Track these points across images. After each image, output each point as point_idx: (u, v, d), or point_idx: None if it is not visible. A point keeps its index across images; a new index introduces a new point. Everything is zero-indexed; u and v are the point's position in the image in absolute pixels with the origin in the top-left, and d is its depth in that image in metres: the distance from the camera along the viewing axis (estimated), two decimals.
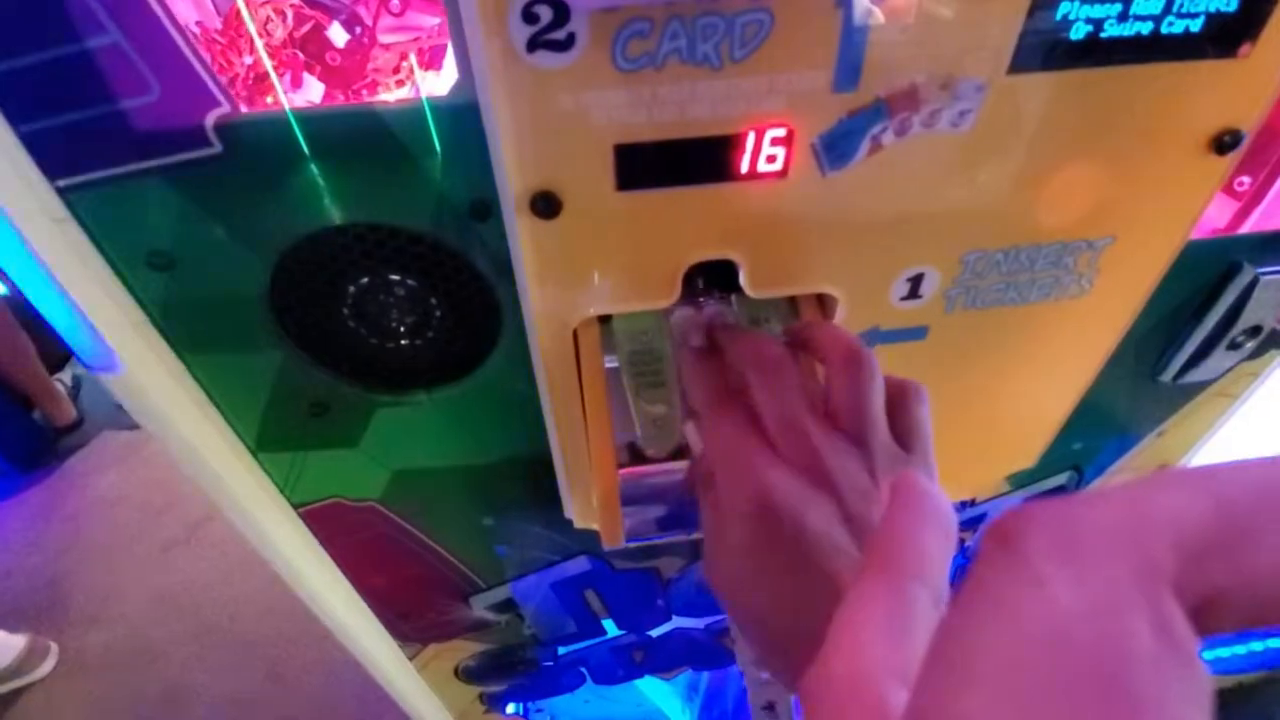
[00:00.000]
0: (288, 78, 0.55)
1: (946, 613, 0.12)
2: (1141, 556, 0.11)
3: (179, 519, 1.62)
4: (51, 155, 0.26)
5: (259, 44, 0.53)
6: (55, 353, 1.79)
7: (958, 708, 0.11)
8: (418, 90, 0.66)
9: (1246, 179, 0.52)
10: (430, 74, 0.68)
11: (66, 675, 1.41)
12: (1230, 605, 0.11)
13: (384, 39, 0.66)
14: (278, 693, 1.37)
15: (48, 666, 1.40)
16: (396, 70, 0.69)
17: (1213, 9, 0.25)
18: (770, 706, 0.32)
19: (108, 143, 0.26)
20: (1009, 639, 0.11)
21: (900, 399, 0.27)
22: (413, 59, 0.66)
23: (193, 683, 1.39)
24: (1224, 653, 0.98)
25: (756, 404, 0.26)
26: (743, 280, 0.31)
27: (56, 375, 1.82)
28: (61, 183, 0.27)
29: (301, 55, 0.58)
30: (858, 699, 0.15)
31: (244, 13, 0.53)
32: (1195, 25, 0.26)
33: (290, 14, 0.54)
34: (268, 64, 0.54)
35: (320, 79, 0.57)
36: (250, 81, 0.55)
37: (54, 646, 1.42)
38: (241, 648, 1.42)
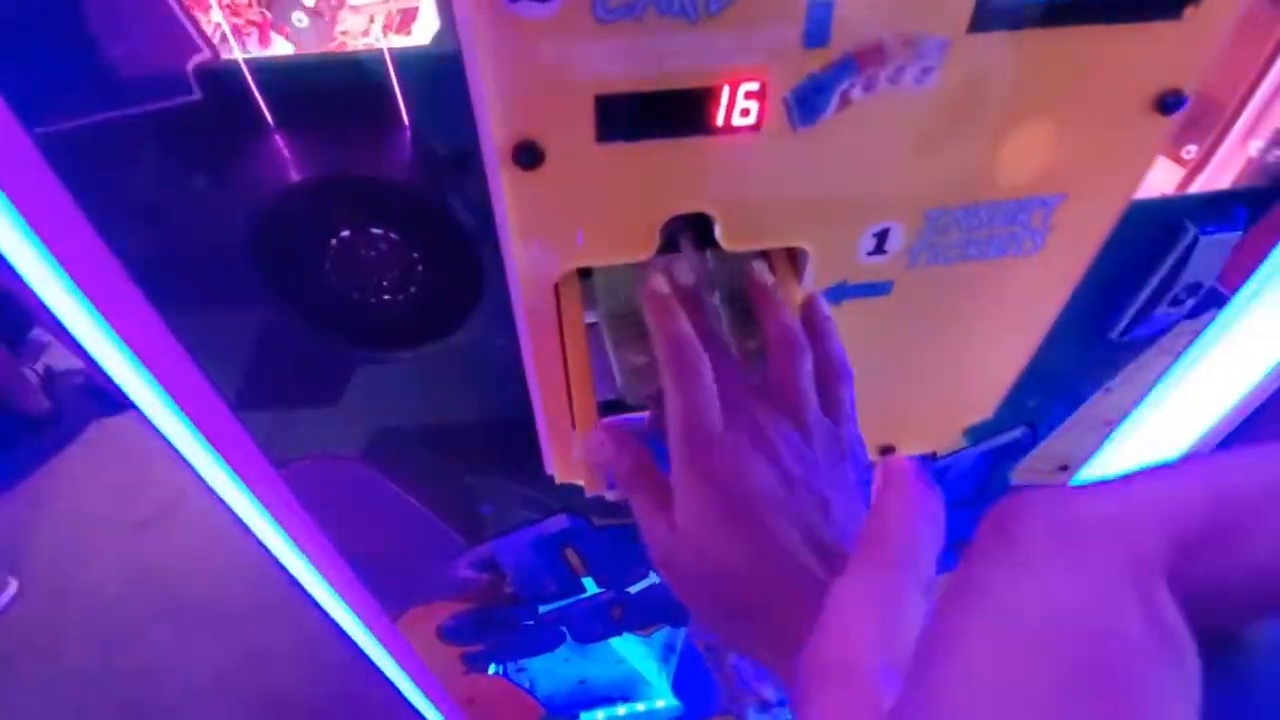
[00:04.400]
0: (255, 37, 0.54)
1: (941, 599, 0.12)
2: (1135, 547, 0.11)
3: (151, 499, 1.59)
4: (28, 102, 0.26)
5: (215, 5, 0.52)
6: (23, 342, 1.73)
7: (949, 693, 0.11)
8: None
9: (1193, 147, 0.55)
10: (399, 37, 0.67)
11: (41, 654, 1.39)
12: (1224, 597, 0.11)
13: (353, 1, 0.65)
14: (257, 668, 1.37)
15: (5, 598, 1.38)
16: (366, 34, 0.67)
17: None
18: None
19: (86, 90, 0.26)
20: (1001, 626, 0.11)
21: (828, 377, 0.31)
22: (380, 22, 0.65)
23: (170, 660, 1.38)
24: None
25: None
26: (718, 234, 0.32)
27: (30, 367, 1.76)
28: (39, 130, 0.26)
29: (268, 15, 0.57)
30: (850, 683, 0.15)
31: None
32: None
33: None
34: (225, 27, 0.53)
35: (289, 39, 0.56)
36: (218, 40, 0.53)
37: (13, 580, 1.40)
38: (218, 625, 1.42)
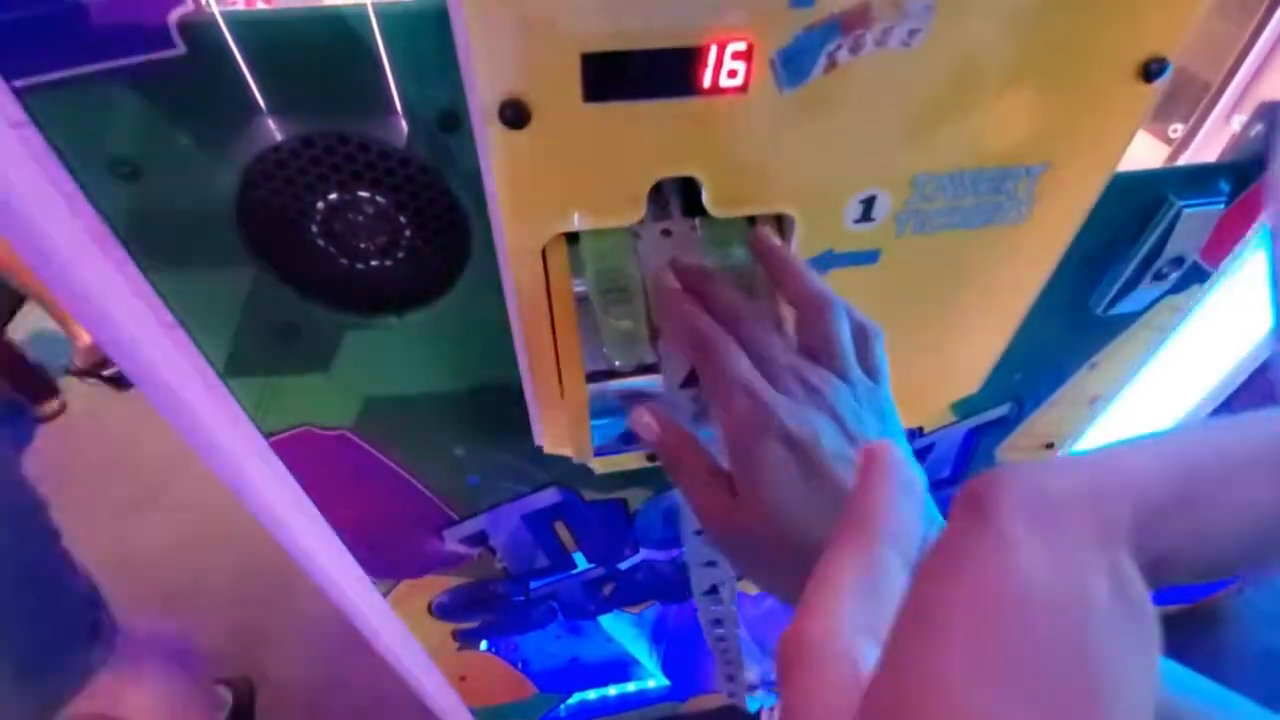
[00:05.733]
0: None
1: (917, 572, 0.13)
2: (1103, 518, 0.11)
3: (138, 482, 1.58)
4: (6, 53, 0.25)
5: None
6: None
7: (927, 663, 0.11)
8: None
9: (1179, 125, 0.55)
10: None
11: None
12: (1183, 561, 0.12)
13: None
14: (245, 652, 1.37)
15: None
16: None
17: None
18: (714, 589, 0.35)
19: (66, 40, 0.25)
20: (976, 597, 0.11)
21: (860, 338, 0.31)
22: None
23: None
24: None
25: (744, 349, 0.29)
26: (705, 199, 0.33)
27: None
28: (18, 83, 0.26)
29: None
30: (829, 656, 0.15)
31: None
32: None
33: None
34: None
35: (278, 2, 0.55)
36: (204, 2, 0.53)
37: None
38: (207, 610, 1.41)
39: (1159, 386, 0.61)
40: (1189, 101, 0.53)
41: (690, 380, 0.32)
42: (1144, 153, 0.57)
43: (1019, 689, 0.10)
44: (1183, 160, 0.55)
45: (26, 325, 1.74)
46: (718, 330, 0.29)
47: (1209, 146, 0.53)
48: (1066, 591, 0.11)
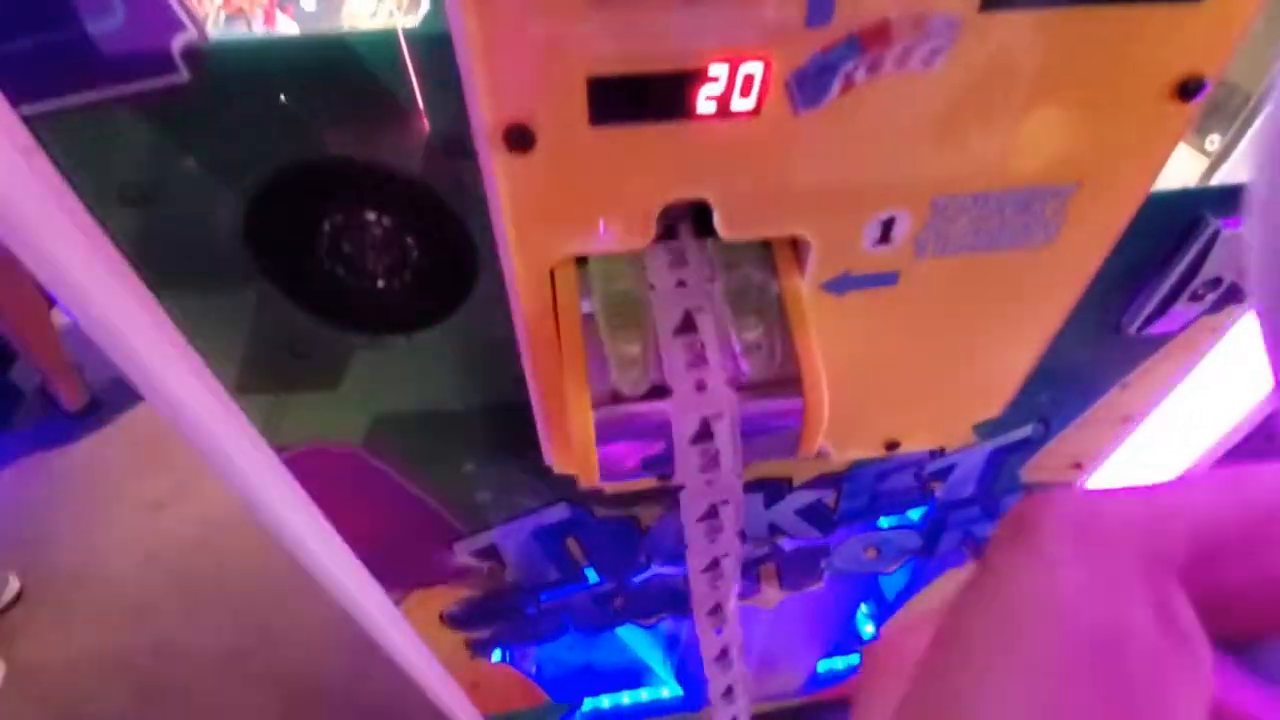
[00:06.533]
0: (260, 17, 0.54)
1: (957, 593, 0.12)
2: (1154, 548, 0.11)
3: (165, 478, 1.62)
4: (15, 80, 0.26)
5: None
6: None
7: (959, 683, 0.11)
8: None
9: (1216, 137, 0.53)
10: (408, 17, 0.67)
11: (56, 632, 1.42)
12: (1244, 607, 0.11)
13: None
14: (267, 648, 1.39)
15: (6, 597, 1.41)
16: (374, 15, 0.67)
17: None
18: (717, 609, 0.34)
19: (73, 68, 0.25)
20: (1014, 615, 0.11)
21: None
22: (388, 3, 0.65)
23: (183, 639, 1.40)
24: None
25: None
26: (716, 222, 0.32)
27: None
28: (27, 110, 0.26)
29: None
30: (894, 655, 0.15)
31: None
32: None
33: None
34: (215, 14, 0.53)
35: (294, 18, 0.56)
36: (221, 22, 0.53)
37: (14, 580, 1.43)
38: (230, 604, 1.44)
39: (1194, 406, 0.58)
40: (1228, 112, 0.50)
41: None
42: (1180, 164, 0.55)
43: (1050, 710, 0.10)
44: (1221, 173, 0.52)
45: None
46: None
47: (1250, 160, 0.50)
48: (1106, 617, 0.10)
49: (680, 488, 0.34)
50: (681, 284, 0.32)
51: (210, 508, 1.55)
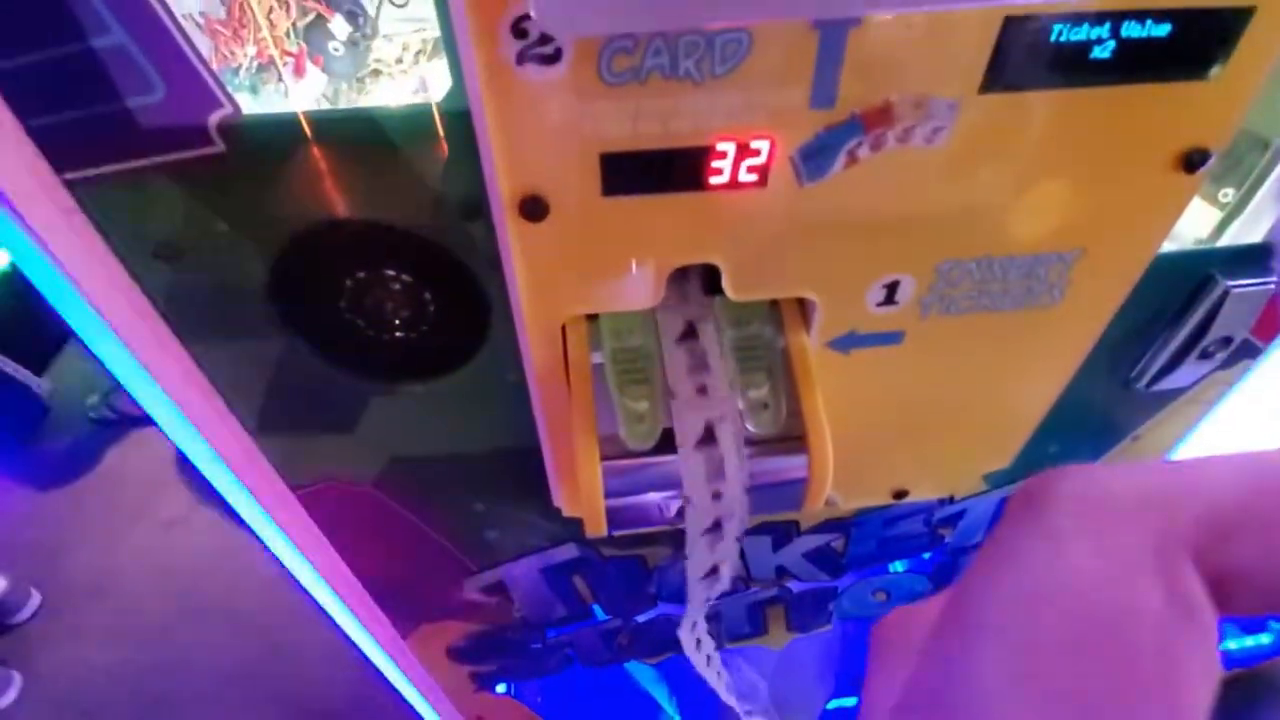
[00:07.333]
0: (290, 67, 0.56)
1: (968, 566, 0.12)
2: (1161, 522, 0.11)
3: (180, 497, 1.64)
4: (60, 149, 0.27)
5: (265, 32, 0.54)
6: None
7: (966, 656, 0.11)
8: (419, 79, 0.67)
9: (1230, 190, 0.53)
10: (434, 63, 0.69)
11: (70, 648, 1.44)
12: (1254, 585, 0.11)
13: (386, 30, 0.67)
14: (278, 667, 1.40)
15: (27, 612, 1.43)
16: (399, 61, 0.69)
17: (1183, 31, 0.26)
18: (714, 570, 0.34)
19: (114, 139, 0.27)
20: (1021, 591, 0.11)
21: None
22: (414, 49, 0.67)
23: (195, 657, 1.42)
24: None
25: None
26: (725, 285, 0.32)
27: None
28: (69, 175, 0.28)
29: (305, 45, 0.59)
30: (902, 632, 0.15)
31: (251, 3, 0.53)
32: (1164, 47, 0.27)
33: (294, 5, 0.55)
34: (273, 51, 0.55)
35: (323, 69, 0.58)
36: (253, 71, 0.56)
37: (35, 594, 1.45)
38: (242, 624, 1.45)
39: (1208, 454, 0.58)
40: (1245, 165, 0.50)
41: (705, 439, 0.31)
42: (1192, 217, 0.55)
43: (1055, 685, 0.10)
44: (1236, 226, 0.52)
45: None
46: None
47: (1263, 213, 0.50)
48: (1115, 594, 0.10)
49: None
50: (702, 390, 0.31)
51: (224, 528, 1.57)
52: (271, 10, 0.56)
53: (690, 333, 0.31)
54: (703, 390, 0.31)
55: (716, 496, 0.31)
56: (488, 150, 0.27)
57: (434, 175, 0.29)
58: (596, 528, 0.36)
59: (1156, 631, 0.10)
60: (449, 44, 0.24)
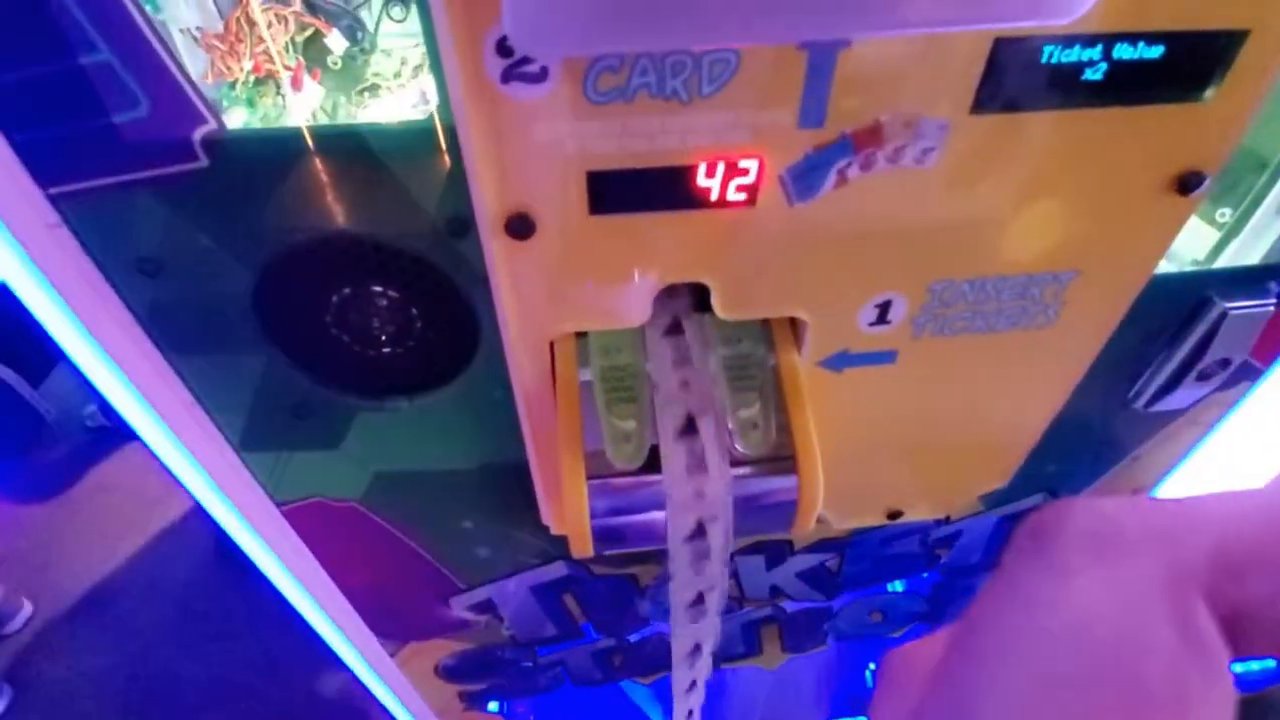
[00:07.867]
0: (288, 81, 0.56)
1: (974, 601, 0.12)
2: (1172, 559, 0.11)
3: (171, 509, 1.64)
4: (44, 163, 0.27)
5: (269, 44, 0.54)
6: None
7: (975, 687, 0.11)
8: (419, 92, 0.67)
9: (1228, 210, 0.52)
10: (432, 78, 0.68)
11: (58, 659, 1.43)
12: (1266, 628, 0.11)
13: (385, 44, 0.67)
14: (267, 680, 1.38)
15: (19, 622, 1.42)
16: (397, 75, 0.69)
17: (1176, 53, 0.26)
18: (700, 599, 0.33)
19: (99, 153, 0.27)
20: (1031, 625, 0.11)
21: None
22: (411, 63, 0.67)
23: (184, 670, 1.40)
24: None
25: None
26: (714, 303, 0.32)
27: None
28: (54, 190, 0.28)
29: (302, 60, 0.59)
30: (910, 663, 0.15)
31: (254, 13, 0.53)
32: (1157, 69, 0.26)
33: (292, 20, 0.55)
34: (277, 61, 0.55)
35: (320, 83, 0.58)
36: (250, 85, 0.56)
37: (27, 604, 1.44)
38: (231, 637, 1.44)
39: (1208, 476, 0.57)
40: (1242, 185, 0.50)
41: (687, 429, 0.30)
42: (1190, 237, 0.54)
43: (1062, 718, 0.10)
44: (1234, 246, 0.52)
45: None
46: None
47: (1262, 234, 0.50)
48: (1124, 630, 0.10)
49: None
50: (676, 328, 0.31)
51: (213, 541, 1.56)
52: (270, 25, 0.56)
53: (676, 328, 0.31)
54: (686, 385, 0.30)
55: (699, 496, 0.30)
56: (474, 168, 0.26)
57: (421, 191, 0.29)
58: (583, 548, 0.35)
59: (1168, 665, 0.10)
60: (435, 62, 0.24)
